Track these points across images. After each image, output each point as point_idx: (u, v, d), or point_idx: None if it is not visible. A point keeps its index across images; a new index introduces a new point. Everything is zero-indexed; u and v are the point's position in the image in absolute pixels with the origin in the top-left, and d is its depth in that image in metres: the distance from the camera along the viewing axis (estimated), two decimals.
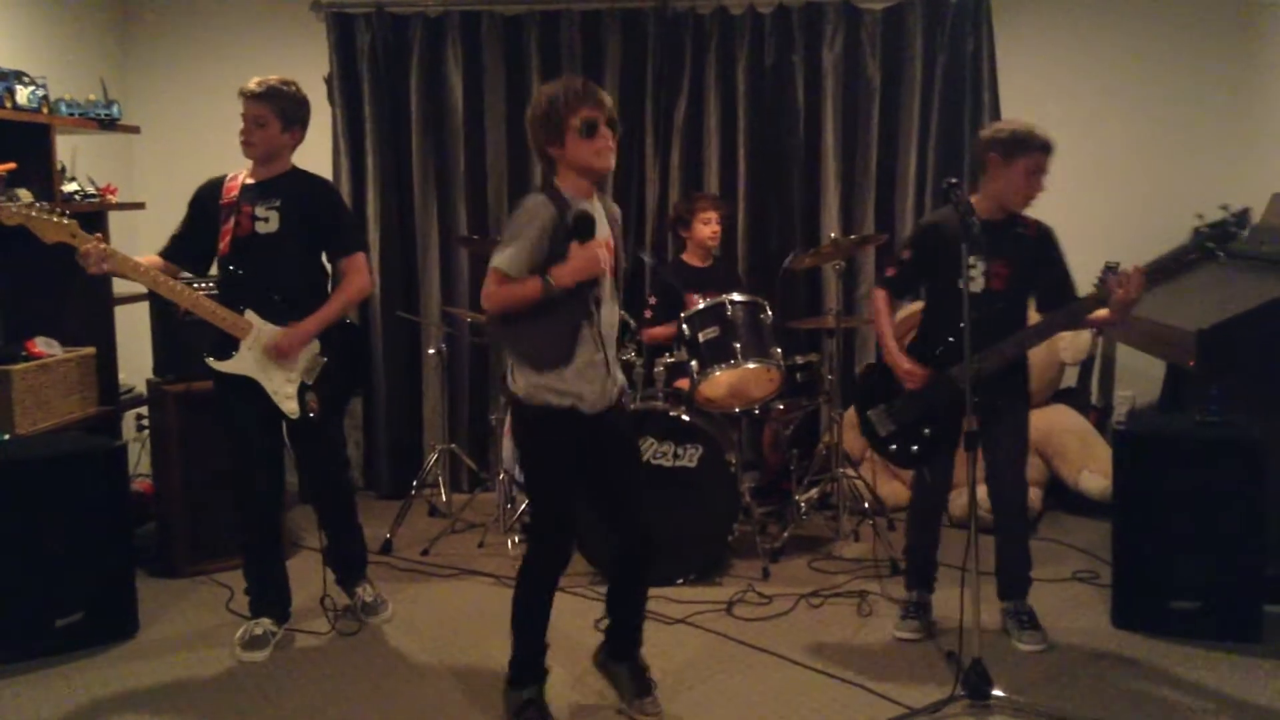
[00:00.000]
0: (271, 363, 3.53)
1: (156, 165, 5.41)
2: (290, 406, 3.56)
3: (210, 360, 3.55)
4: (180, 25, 5.47)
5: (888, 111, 5.35)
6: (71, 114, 4.41)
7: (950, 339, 3.50)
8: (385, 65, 5.34)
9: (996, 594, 3.72)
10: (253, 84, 3.54)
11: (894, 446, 3.65)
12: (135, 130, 4.89)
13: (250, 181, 3.60)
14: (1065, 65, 5.34)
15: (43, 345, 4.22)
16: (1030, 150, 3.43)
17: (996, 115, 5.27)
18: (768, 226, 5.40)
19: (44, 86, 4.23)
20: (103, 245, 3.36)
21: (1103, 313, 3.39)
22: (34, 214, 3.29)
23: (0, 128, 4.01)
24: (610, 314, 3.02)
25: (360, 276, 3.66)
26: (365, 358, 3.82)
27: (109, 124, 4.59)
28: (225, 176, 3.64)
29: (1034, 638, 3.59)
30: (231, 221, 3.54)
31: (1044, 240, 3.58)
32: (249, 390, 3.54)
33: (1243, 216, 3.19)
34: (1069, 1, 5.33)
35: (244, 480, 3.64)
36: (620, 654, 3.28)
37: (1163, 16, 5.27)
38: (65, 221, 3.34)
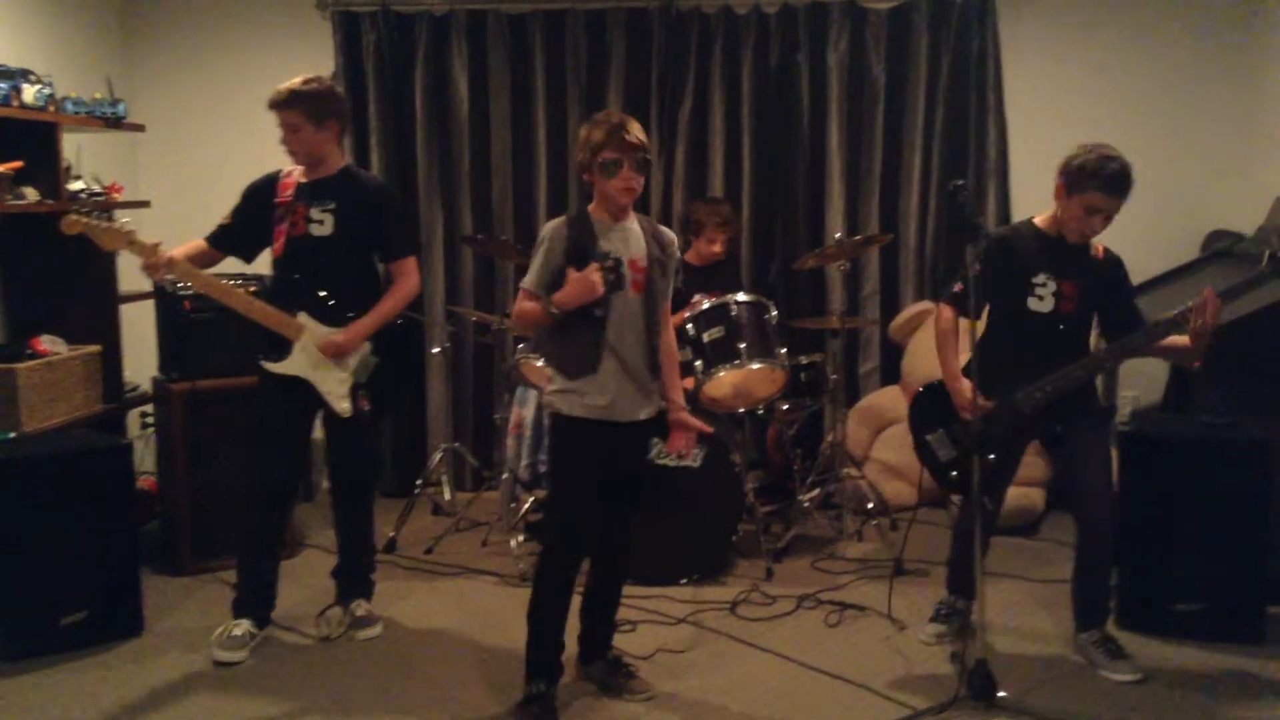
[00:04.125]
0: (324, 363, 3.56)
1: (161, 163, 5.42)
2: (343, 406, 3.58)
3: (263, 362, 3.58)
4: (185, 24, 5.47)
5: (892, 112, 5.35)
6: (78, 112, 4.40)
7: (1015, 364, 3.39)
8: (390, 64, 5.34)
9: (1075, 626, 3.56)
10: (274, 93, 3.51)
11: (955, 473, 3.53)
12: (140, 129, 4.89)
13: (304, 181, 3.60)
14: (1070, 65, 5.33)
15: (48, 343, 4.23)
16: (1087, 189, 3.26)
17: (1001, 116, 5.28)
18: (772, 227, 5.40)
19: (50, 85, 4.23)
20: (164, 255, 3.43)
21: (1180, 340, 3.23)
22: (93, 223, 3.41)
23: (7, 126, 4.02)
24: (631, 330, 3.11)
25: (410, 279, 3.70)
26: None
27: (115, 122, 4.59)
28: (280, 172, 3.64)
29: (1128, 667, 3.38)
30: (286, 223, 3.55)
31: (1113, 266, 3.47)
32: (294, 391, 3.57)
33: None
34: (1074, 1, 5.33)
35: (264, 478, 3.63)
36: (592, 656, 3.41)
37: (1168, 16, 5.27)
38: (124, 230, 3.44)
